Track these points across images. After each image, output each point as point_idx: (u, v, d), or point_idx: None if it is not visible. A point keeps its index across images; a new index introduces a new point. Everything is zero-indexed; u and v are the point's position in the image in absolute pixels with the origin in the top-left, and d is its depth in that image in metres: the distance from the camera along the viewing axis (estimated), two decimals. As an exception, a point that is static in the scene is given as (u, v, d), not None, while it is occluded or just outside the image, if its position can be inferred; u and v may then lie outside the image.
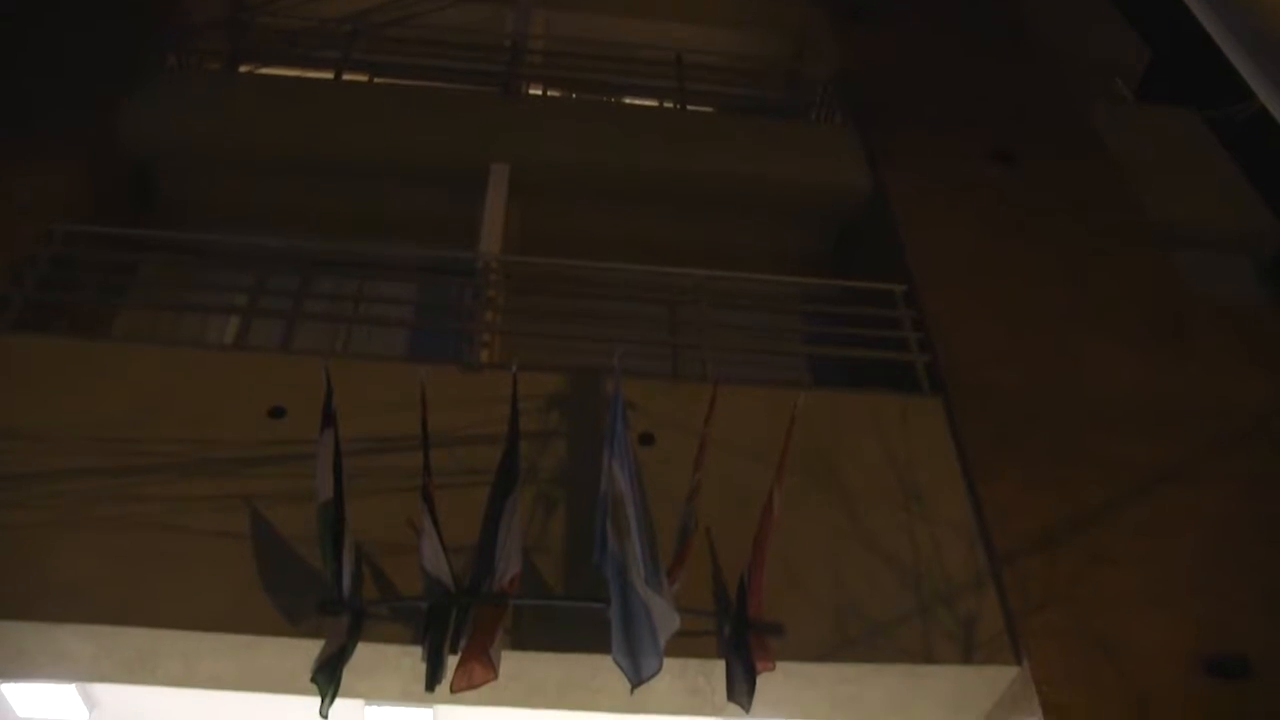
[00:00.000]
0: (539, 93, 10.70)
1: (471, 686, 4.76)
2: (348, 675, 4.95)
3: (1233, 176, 9.78)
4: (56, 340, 6.55)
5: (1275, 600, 5.73)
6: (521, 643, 5.16)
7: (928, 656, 5.43)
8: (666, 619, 4.75)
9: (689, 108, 10.26)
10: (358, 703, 6.30)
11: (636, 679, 4.67)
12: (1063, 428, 6.53)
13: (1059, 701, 5.22)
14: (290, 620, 5.20)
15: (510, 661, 5.00)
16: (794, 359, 7.92)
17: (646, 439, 6.08)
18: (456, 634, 4.92)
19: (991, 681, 5.52)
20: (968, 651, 5.46)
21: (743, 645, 5.03)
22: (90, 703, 6.93)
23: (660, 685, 5.29)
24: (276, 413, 6.04)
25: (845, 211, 9.00)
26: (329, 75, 9.82)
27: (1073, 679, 5.32)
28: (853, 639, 5.42)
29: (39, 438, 5.82)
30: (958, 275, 7.59)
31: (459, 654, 4.83)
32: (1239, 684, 5.35)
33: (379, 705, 6.41)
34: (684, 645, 5.12)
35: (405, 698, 5.57)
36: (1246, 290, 8.91)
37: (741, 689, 4.98)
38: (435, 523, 4.97)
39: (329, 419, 5.24)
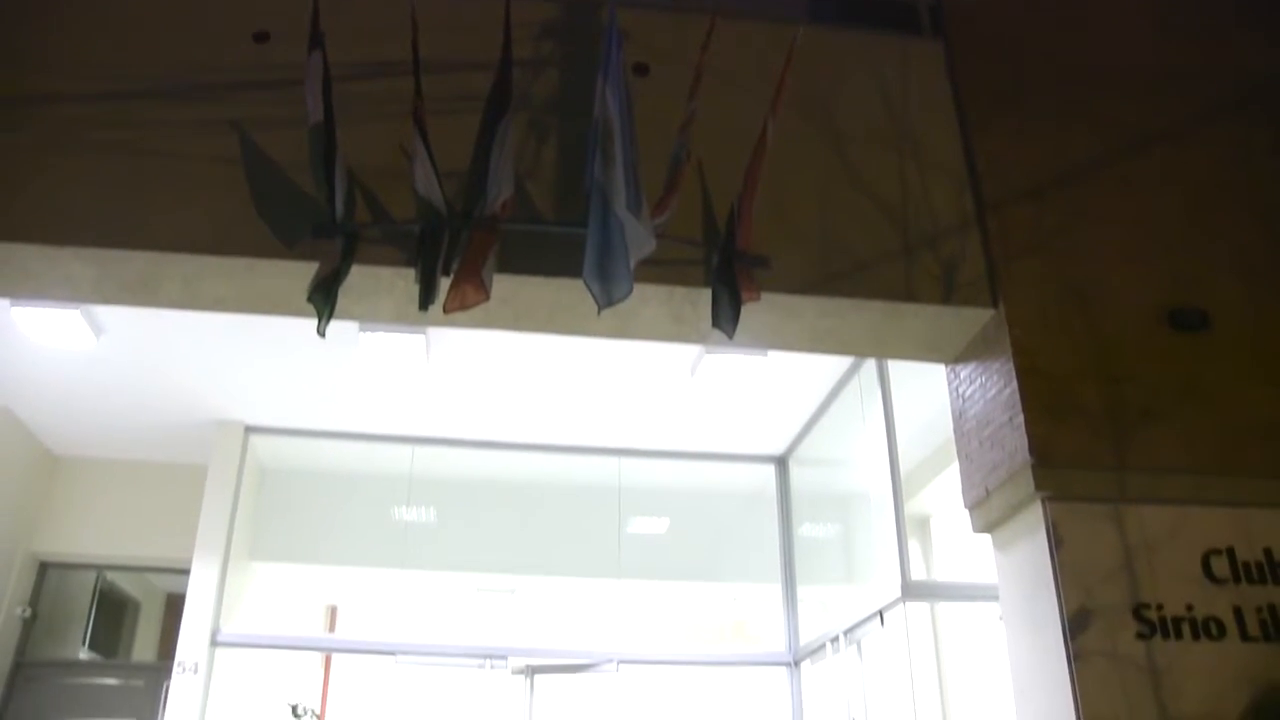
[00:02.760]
0: None
1: (464, 307, 4.88)
2: (343, 299, 5.09)
3: None
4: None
5: (1243, 261, 5.89)
6: (513, 266, 5.22)
7: (908, 295, 5.59)
8: (640, 240, 4.78)
9: None
10: (352, 326, 6.52)
11: (606, 301, 4.76)
12: (1061, 82, 6.40)
13: (1029, 344, 5.45)
14: (286, 242, 5.25)
15: (501, 285, 5.10)
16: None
17: (641, 69, 5.91)
18: (449, 256, 4.98)
19: (968, 322, 5.72)
20: (947, 292, 5.62)
21: (729, 275, 5.14)
22: (97, 329, 7.19)
23: (646, 311, 5.49)
24: (260, 37, 5.83)
25: None
26: None
27: (1045, 324, 5.54)
28: (836, 274, 5.55)
29: (19, 62, 5.65)
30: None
31: (452, 276, 4.92)
32: (1196, 335, 5.60)
33: (373, 330, 6.64)
34: (671, 273, 5.26)
35: (399, 319, 5.71)
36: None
37: (726, 316, 5.13)
38: (427, 147, 4.94)
39: (316, 41, 5.12)
